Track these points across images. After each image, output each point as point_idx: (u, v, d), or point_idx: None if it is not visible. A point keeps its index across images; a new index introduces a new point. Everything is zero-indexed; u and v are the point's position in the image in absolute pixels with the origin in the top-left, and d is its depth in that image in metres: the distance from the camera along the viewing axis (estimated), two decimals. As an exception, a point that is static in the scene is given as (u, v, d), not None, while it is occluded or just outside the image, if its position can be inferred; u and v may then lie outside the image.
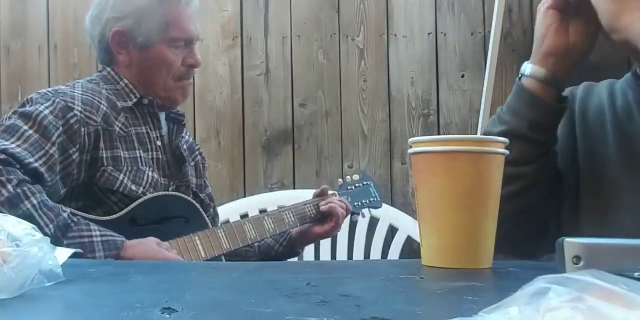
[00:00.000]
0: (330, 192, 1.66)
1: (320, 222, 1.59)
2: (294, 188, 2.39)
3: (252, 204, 2.31)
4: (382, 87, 2.46)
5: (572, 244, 0.51)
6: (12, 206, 1.11)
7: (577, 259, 0.50)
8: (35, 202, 1.14)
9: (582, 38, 0.88)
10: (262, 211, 2.22)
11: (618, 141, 0.92)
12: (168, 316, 0.44)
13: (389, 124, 2.45)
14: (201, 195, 1.54)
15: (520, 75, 0.93)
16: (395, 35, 2.47)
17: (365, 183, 1.75)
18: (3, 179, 1.13)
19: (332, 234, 1.62)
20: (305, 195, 1.68)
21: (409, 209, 2.35)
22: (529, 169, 0.91)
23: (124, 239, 1.21)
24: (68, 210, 1.20)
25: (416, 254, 0.77)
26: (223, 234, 1.41)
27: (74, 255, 0.63)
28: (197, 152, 1.59)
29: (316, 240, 1.67)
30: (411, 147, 0.76)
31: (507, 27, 2.44)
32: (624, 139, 0.92)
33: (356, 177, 1.75)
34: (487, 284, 0.66)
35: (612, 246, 0.53)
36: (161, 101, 1.46)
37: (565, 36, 0.88)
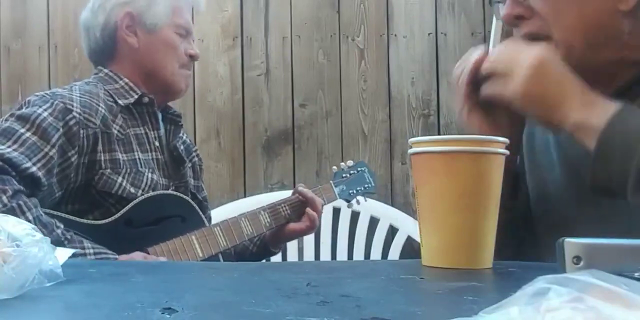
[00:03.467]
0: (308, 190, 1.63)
1: (295, 220, 1.55)
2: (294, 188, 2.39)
3: (252, 204, 2.28)
4: (382, 87, 2.46)
5: (572, 244, 0.51)
6: None
7: (577, 259, 0.50)
8: (30, 217, 1.12)
9: (511, 124, 0.90)
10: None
11: (562, 163, 0.95)
12: (168, 316, 0.44)
13: (389, 124, 2.45)
14: (199, 197, 1.53)
15: None
16: (395, 35, 2.47)
17: (359, 169, 1.72)
18: None
19: (309, 230, 1.56)
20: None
21: (409, 209, 2.35)
22: (506, 238, 0.90)
23: (117, 256, 1.20)
24: (61, 225, 1.18)
25: (416, 254, 0.77)
26: (219, 231, 1.40)
27: (74, 255, 0.63)
28: (194, 153, 1.57)
29: (291, 237, 1.61)
30: (411, 147, 0.76)
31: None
32: (568, 161, 0.94)
33: (350, 162, 1.72)
34: (487, 284, 0.66)
35: (612, 246, 0.53)
36: (165, 88, 1.45)
37: (497, 131, 0.87)
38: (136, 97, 1.41)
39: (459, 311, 0.46)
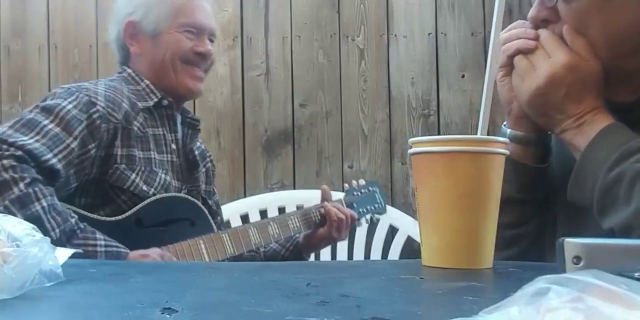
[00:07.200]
0: (336, 198, 1.65)
1: (323, 226, 1.58)
2: (294, 188, 2.39)
3: (252, 204, 2.31)
4: (382, 87, 2.46)
5: (572, 244, 0.51)
6: (22, 205, 1.11)
7: (577, 259, 0.50)
8: (45, 204, 1.13)
9: None
10: (263, 211, 2.23)
11: None
12: (168, 316, 0.44)
13: (389, 124, 2.44)
14: (209, 202, 1.54)
15: None
16: (395, 35, 2.47)
17: (370, 188, 1.76)
18: (16, 175, 1.12)
19: (337, 238, 1.58)
20: (305, 195, 1.68)
21: (409, 209, 2.35)
22: (528, 229, 0.92)
23: (128, 251, 1.20)
24: (76, 215, 1.20)
25: (416, 254, 0.77)
26: (227, 238, 1.40)
27: (74, 255, 0.63)
28: (207, 159, 1.59)
29: (322, 244, 1.63)
30: (411, 147, 0.76)
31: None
32: None
33: (362, 181, 1.76)
34: (487, 284, 0.66)
35: (612, 246, 0.53)
36: (174, 88, 1.45)
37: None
38: (156, 100, 1.43)
39: (459, 311, 0.46)
